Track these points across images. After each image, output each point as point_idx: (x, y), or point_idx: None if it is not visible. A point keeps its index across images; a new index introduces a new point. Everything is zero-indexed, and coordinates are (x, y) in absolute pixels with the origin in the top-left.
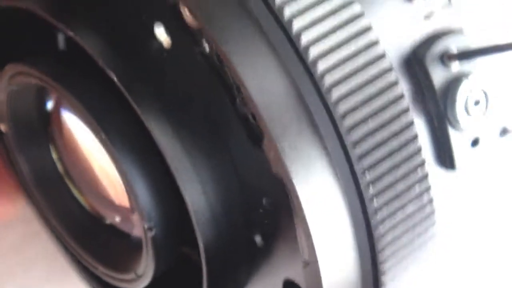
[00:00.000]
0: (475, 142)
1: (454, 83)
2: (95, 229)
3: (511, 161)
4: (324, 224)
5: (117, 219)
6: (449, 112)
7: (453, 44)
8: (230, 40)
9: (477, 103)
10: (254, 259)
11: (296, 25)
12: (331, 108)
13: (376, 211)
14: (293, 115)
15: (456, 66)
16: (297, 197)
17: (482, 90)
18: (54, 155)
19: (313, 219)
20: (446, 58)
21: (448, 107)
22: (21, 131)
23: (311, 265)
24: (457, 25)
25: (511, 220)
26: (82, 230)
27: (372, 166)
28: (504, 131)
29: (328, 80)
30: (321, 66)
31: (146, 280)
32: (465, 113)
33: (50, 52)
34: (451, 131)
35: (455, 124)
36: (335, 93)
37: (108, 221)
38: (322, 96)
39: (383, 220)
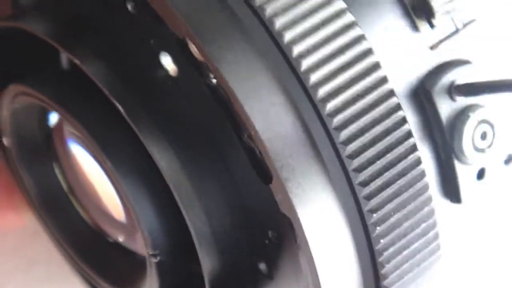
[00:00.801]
0: (480, 175)
1: (461, 116)
2: (99, 246)
3: None
4: (331, 264)
5: (121, 238)
6: (455, 145)
7: (460, 76)
8: (237, 78)
9: (483, 136)
10: (259, 285)
11: (305, 64)
12: (339, 148)
13: (382, 250)
14: (302, 156)
15: (463, 99)
16: (304, 239)
17: (489, 123)
18: (58, 172)
19: (320, 257)
20: (453, 90)
21: (455, 141)
22: (24, 148)
23: None
24: (465, 56)
25: None
26: (86, 246)
27: (379, 206)
28: (509, 159)
29: (336, 120)
30: (330, 105)
31: None
32: (472, 146)
33: (53, 72)
34: (458, 165)
35: (461, 158)
36: (344, 133)
37: (111, 239)
38: (330, 135)
39: (389, 259)
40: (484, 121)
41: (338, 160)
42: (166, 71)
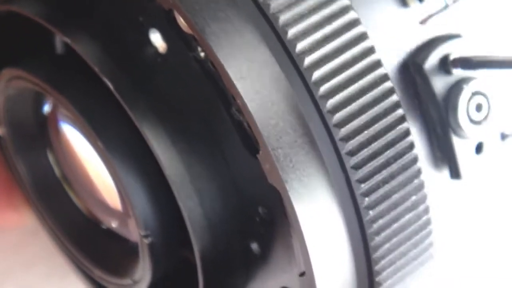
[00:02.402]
0: (479, 149)
1: (455, 89)
2: (92, 233)
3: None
4: (320, 235)
5: (114, 224)
6: (451, 119)
7: (453, 50)
8: (225, 48)
9: (479, 108)
10: (251, 266)
11: (291, 32)
12: (326, 117)
13: (371, 221)
14: (288, 125)
15: (457, 72)
16: (292, 208)
17: (484, 94)
18: (51, 159)
19: (309, 230)
20: (448, 64)
21: (450, 114)
22: (18, 135)
23: (307, 275)
24: (455, 30)
25: None
26: (79, 233)
27: (367, 176)
28: (504, 136)
29: (323, 89)
30: (316, 74)
31: (143, 285)
32: (468, 119)
33: (48, 56)
34: (455, 139)
35: (458, 132)
36: (330, 102)
37: (105, 226)
38: (317, 105)
39: (379, 231)
40: (478, 93)
41: (325, 129)
42: (155, 48)
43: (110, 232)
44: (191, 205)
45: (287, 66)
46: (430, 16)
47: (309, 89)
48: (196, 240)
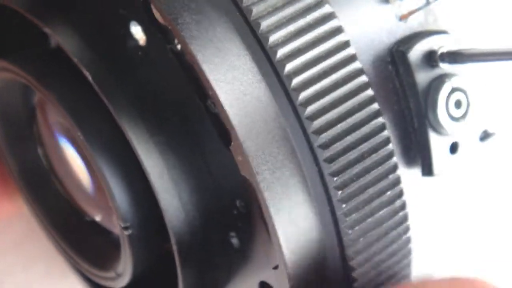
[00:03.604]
0: (453, 148)
1: (436, 83)
2: (79, 226)
3: (490, 167)
4: (292, 228)
5: (98, 218)
6: (430, 112)
7: (440, 44)
8: (197, 39)
9: (458, 104)
10: (232, 260)
11: (264, 25)
12: (299, 110)
13: (345, 215)
14: (260, 117)
15: (442, 67)
16: (264, 200)
17: (463, 91)
18: (40, 151)
19: (281, 223)
20: (434, 57)
21: (429, 108)
22: (7, 127)
23: (280, 269)
24: (437, 27)
25: (489, 226)
26: (66, 226)
27: (340, 170)
28: (485, 135)
29: (295, 81)
30: (288, 67)
31: (126, 279)
32: (447, 114)
33: (41, 49)
34: (431, 134)
35: (436, 126)
36: (302, 95)
37: (90, 219)
38: (289, 97)
39: (353, 225)
40: (458, 89)
41: (298, 122)
42: (136, 40)
43: (95, 225)
44: (168, 197)
45: (260, 58)
46: (411, 13)
47: (281, 81)
48: (173, 232)
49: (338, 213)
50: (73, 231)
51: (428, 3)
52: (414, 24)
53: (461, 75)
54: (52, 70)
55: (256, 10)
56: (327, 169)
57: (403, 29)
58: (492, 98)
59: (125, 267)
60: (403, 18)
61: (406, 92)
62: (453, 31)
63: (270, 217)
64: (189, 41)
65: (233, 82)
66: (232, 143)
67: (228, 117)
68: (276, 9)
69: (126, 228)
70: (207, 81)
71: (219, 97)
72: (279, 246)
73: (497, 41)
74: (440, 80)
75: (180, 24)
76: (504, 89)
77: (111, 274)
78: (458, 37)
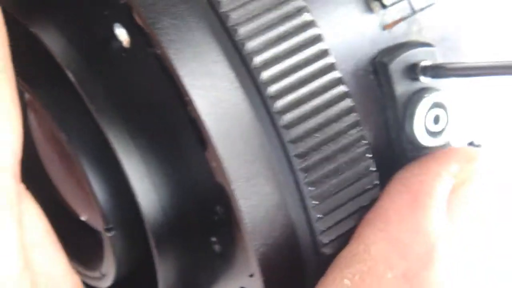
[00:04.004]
0: None
1: (416, 96)
2: (68, 224)
3: None
4: (269, 236)
5: (83, 217)
6: (407, 126)
7: (423, 57)
8: (175, 43)
9: (436, 120)
10: (214, 265)
11: (242, 31)
12: (275, 118)
13: (322, 224)
14: (237, 124)
15: (423, 80)
16: (238, 208)
17: (444, 107)
18: (31, 148)
19: (256, 231)
20: (416, 70)
21: (407, 121)
22: None
23: (255, 277)
24: (421, 38)
25: None
26: (55, 223)
27: (318, 180)
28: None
29: (272, 88)
30: (265, 75)
31: (109, 279)
32: (424, 129)
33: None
34: (408, 147)
35: (412, 139)
36: (279, 102)
37: (79, 217)
38: (266, 104)
39: (327, 232)
40: (438, 105)
41: (274, 130)
42: (120, 42)
43: (84, 224)
44: (147, 200)
45: (237, 65)
46: (395, 23)
47: (258, 89)
48: (152, 234)
49: (315, 222)
50: (62, 229)
51: (413, 12)
52: (398, 33)
53: (443, 89)
54: (37, 70)
55: (234, 16)
56: (304, 178)
57: (386, 39)
58: (475, 113)
59: (108, 268)
60: (387, 27)
61: (386, 104)
62: (437, 42)
63: (245, 224)
64: (166, 46)
65: (209, 88)
66: (208, 149)
67: (203, 123)
68: (254, 16)
69: (108, 230)
70: (183, 86)
71: (195, 102)
72: (254, 254)
73: (482, 53)
74: (419, 94)
75: (158, 28)
76: (488, 103)
77: (96, 273)
78: (442, 49)
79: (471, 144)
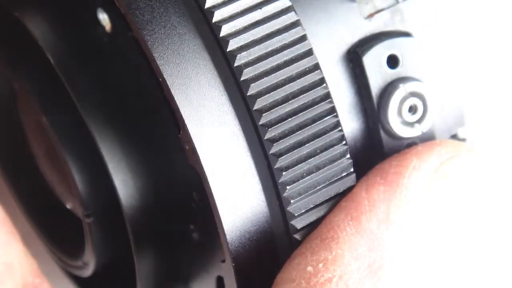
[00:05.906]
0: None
1: (390, 86)
2: (55, 212)
3: None
4: (239, 219)
5: (68, 205)
6: (382, 115)
7: (401, 47)
8: (148, 24)
9: (412, 110)
10: (193, 253)
11: (217, 14)
12: (249, 101)
13: (295, 210)
14: (208, 104)
15: (398, 70)
16: (210, 191)
17: (421, 97)
18: (20, 136)
19: (225, 213)
20: (393, 60)
21: (381, 111)
22: None
23: (227, 263)
24: (404, 28)
25: None
26: (42, 211)
27: (290, 166)
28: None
29: (246, 72)
30: (240, 59)
31: (90, 268)
32: (399, 119)
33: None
34: (384, 136)
35: (387, 128)
36: (254, 87)
37: (65, 205)
38: (240, 87)
39: (299, 218)
40: (415, 94)
41: (248, 114)
42: (102, 27)
43: (70, 213)
44: (124, 185)
45: (212, 46)
46: (378, 11)
47: (233, 72)
48: (129, 220)
49: (287, 207)
50: (48, 217)
51: (396, 2)
52: (379, 23)
53: (423, 80)
54: (21, 55)
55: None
56: (276, 163)
57: (367, 28)
58: (461, 105)
59: (89, 256)
60: (369, 16)
61: (362, 93)
62: (419, 33)
63: (216, 208)
64: (140, 26)
65: (183, 68)
66: (181, 132)
67: (175, 103)
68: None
69: (87, 216)
70: (157, 66)
71: (167, 82)
72: (225, 239)
73: (464, 44)
74: (394, 84)
75: (133, 9)
76: (474, 95)
77: (79, 263)
78: (423, 39)
79: (454, 137)
